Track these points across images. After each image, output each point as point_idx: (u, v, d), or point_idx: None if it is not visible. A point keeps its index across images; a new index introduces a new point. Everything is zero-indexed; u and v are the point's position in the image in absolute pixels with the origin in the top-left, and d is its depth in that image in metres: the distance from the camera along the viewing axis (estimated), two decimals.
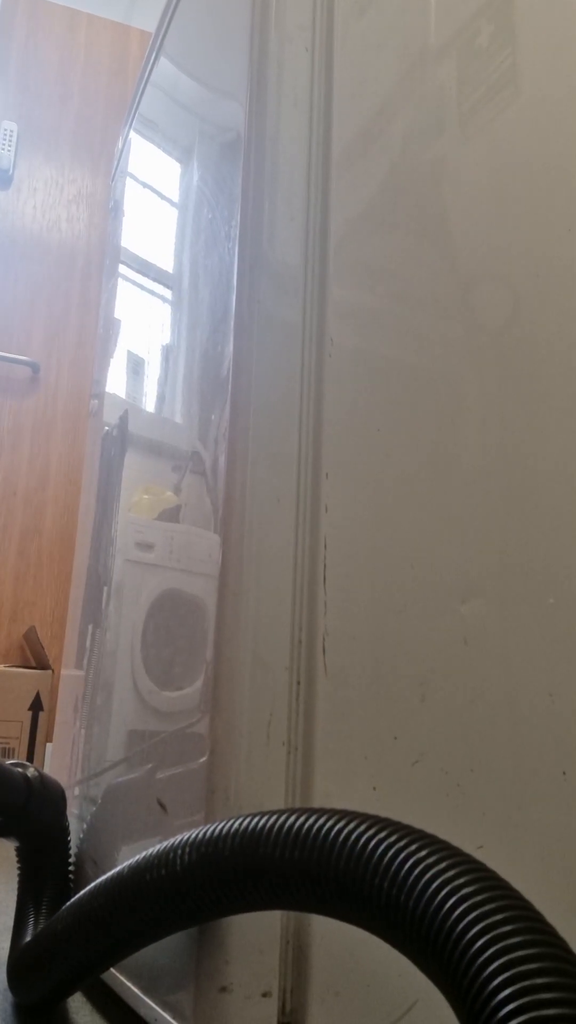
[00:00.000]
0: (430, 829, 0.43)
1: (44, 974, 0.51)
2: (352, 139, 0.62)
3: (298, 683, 0.53)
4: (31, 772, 0.71)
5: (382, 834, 0.29)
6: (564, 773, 0.35)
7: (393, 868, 0.27)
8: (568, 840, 0.35)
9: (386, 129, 0.57)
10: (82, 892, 0.48)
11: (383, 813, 0.46)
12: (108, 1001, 0.67)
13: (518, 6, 0.46)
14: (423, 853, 0.27)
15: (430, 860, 0.26)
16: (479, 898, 0.24)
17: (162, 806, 0.58)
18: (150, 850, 0.42)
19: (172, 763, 0.57)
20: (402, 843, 0.28)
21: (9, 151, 2.21)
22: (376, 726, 0.48)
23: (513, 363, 0.42)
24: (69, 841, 0.75)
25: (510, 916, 0.24)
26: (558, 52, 0.43)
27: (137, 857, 0.43)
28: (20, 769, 0.71)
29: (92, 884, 0.47)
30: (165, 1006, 0.52)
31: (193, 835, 0.39)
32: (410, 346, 0.51)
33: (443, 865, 0.26)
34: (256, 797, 0.50)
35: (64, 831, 0.74)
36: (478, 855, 0.39)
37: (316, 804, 0.50)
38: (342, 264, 0.60)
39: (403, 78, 0.56)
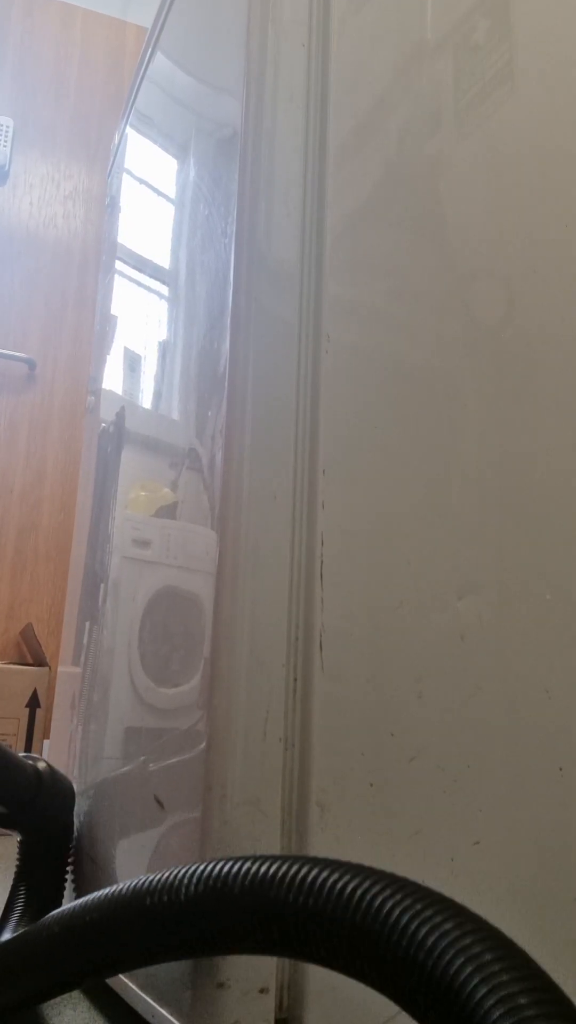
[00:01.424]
0: (427, 825, 0.43)
1: (19, 982, 0.50)
2: (348, 135, 0.61)
3: (295, 680, 0.53)
4: (42, 766, 0.71)
5: (398, 896, 0.31)
6: (560, 769, 0.36)
7: (411, 930, 0.29)
8: (564, 836, 0.35)
9: (382, 125, 0.57)
10: (72, 904, 0.47)
11: (379, 809, 0.46)
12: (105, 997, 0.67)
13: (515, 2, 0.46)
14: (439, 919, 0.29)
15: (446, 927, 0.29)
16: (495, 967, 0.27)
17: (159, 803, 0.58)
18: (152, 875, 0.41)
19: (169, 760, 0.57)
20: (418, 907, 0.30)
21: (5, 147, 2.21)
22: (373, 722, 0.48)
23: (510, 359, 0.42)
24: (72, 840, 0.75)
25: (526, 987, 0.26)
26: (555, 48, 0.43)
27: (138, 879, 0.42)
28: (32, 762, 0.71)
29: (84, 898, 0.46)
30: (163, 1002, 0.52)
31: (200, 868, 0.39)
32: (407, 342, 0.51)
33: (458, 933, 0.29)
34: (253, 794, 0.50)
35: (68, 829, 0.74)
36: (474, 851, 0.40)
37: (312, 801, 0.50)
38: (339, 260, 0.60)
39: (399, 73, 0.56)
